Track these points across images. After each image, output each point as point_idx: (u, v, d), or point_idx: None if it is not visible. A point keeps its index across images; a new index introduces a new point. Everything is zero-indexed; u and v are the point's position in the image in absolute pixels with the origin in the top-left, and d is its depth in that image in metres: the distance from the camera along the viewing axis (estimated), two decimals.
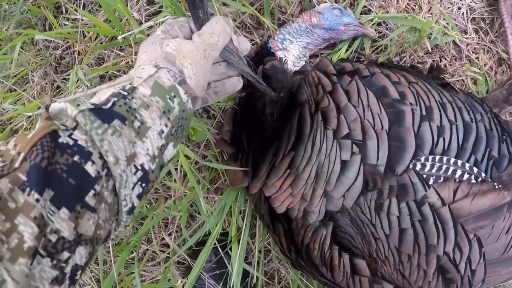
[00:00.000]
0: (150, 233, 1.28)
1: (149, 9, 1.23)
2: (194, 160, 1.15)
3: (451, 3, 1.26)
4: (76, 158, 0.53)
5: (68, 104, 0.56)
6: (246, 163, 0.96)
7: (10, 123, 1.48)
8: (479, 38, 1.28)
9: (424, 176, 0.85)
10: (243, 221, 1.16)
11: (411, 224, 0.84)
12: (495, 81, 1.28)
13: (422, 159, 0.86)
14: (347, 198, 0.85)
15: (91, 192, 0.54)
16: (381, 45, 1.18)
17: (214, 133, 1.16)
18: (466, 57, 1.25)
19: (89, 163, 0.54)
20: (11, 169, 0.49)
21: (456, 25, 1.25)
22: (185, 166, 1.00)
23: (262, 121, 0.95)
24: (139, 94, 0.61)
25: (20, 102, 1.45)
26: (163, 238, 1.32)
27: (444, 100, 0.94)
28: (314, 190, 0.87)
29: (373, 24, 1.14)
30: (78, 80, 1.19)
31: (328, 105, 0.89)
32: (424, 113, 0.89)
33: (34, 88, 1.42)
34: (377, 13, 1.14)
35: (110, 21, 1.19)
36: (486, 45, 1.28)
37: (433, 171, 0.85)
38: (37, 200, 0.48)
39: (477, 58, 1.27)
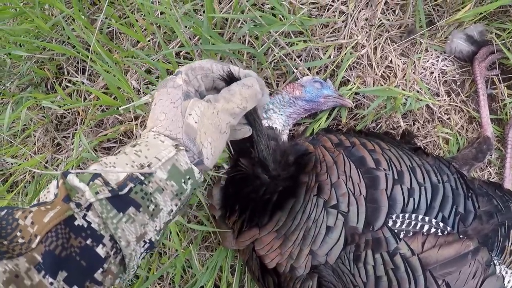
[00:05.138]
0: None
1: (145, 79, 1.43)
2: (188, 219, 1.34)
3: (424, 68, 1.49)
4: (88, 241, 0.62)
5: (87, 188, 0.63)
6: (233, 224, 1.16)
7: (10, 174, 1.66)
8: (450, 99, 1.50)
9: (396, 231, 1.06)
10: (233, 276, 1.34)
11: (385, 272, 1.04)
12: (466, 139, 1.49)
13: (394, 216, 1.07)
14: (330, 255, 1.06)
15: (100, 270, 0.64)
16: (359, 113, 1.39)
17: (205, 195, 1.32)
18: (438, 118, 1.47)
19: (100, 246, 0.63)
20: (28, 248, 0.57)
21: (429, 89, 1.47)
22: (173, 232, 1.20)
23: (257, 189, 1.11)
24: (156, 178, 0.68)
25: (20, 154, 1.63)
26: None
27: (414, 164, 1.15)
28: (301, 250, 1.08)
29: (351, 94, 1.36)
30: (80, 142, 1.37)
31: (326, 179, 1.10)
32: (396, 177, 1.10)
33: (35, 144, 1.61)
34: (355, 83, 1.37)
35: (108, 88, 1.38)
36: (457, 106, 1.50)
37: (403, 226, 1.06)
38: (51, 283, 0.58)
39: (449, 118, 1.48)
